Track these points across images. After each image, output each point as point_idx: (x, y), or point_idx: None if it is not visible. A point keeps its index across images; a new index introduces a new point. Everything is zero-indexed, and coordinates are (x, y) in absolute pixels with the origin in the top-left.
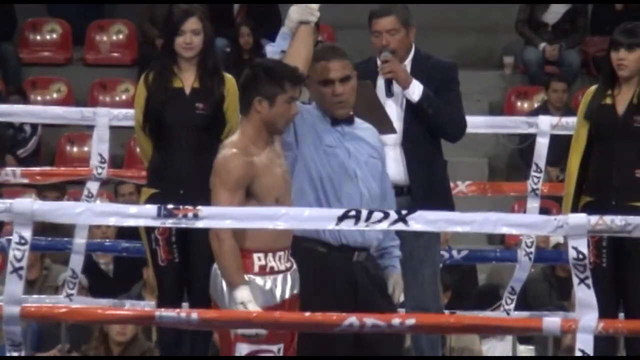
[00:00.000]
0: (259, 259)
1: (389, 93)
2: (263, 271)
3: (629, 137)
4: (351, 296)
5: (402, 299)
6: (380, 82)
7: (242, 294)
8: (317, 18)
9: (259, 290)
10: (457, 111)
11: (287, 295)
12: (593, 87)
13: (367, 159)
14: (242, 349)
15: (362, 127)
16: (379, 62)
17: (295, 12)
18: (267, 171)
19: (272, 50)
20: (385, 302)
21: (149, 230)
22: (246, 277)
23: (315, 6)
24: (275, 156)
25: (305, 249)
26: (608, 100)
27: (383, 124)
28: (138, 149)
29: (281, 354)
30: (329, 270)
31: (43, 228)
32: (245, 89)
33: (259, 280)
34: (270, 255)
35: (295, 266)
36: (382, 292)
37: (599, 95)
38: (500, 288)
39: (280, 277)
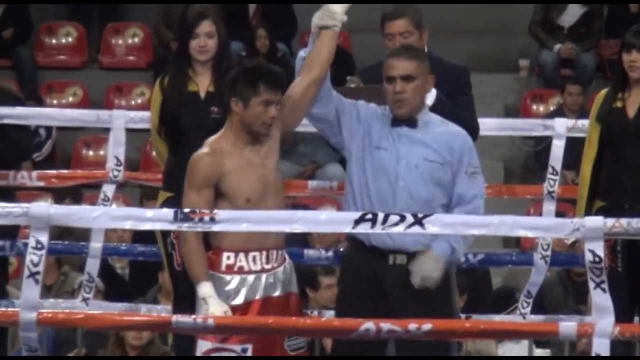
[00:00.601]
0: (228, 258)
1: None
2: (230, 270)
3: (639, 140)
4: (376, 298)
5: (416, 280)
6: None
7: (204, 289)
8: (339, 22)
9: (223, 288)
10: (470, 115)
11: (257, 296)
12: (604, 91)
13: (420, 162)
14: (203, 346)
15: (428, 130)
16: None
17: (315, 17)
18: (239, 171)
19: (300, 55)
20: (420, 310)
21: (165, 234)
22: (213, 274)
23: (337, 11)
24: (256, 157)
25: (350, 246)
26: (619, 104)
27: None
28: (154, 153)
29: (248, 354)
30: (357, 270)
31: (59, 232)
32: (226, 90)
33: (225, 278)
34: (241, 255)
35: (282, 268)
36: (426, 300)
37: (610, 99)
38: (515, 291)
39: (251, 277)
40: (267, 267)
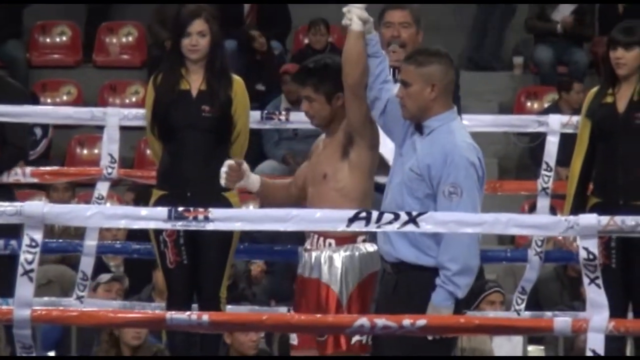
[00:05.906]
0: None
1: (394, 80)
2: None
3: (630, 134)
4: (379, 304)
5: None
6: None
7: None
8: (349, 21)
9: None
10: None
11: (299, 272)
12: (595, 88)
13: (405, 170)
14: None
15: (427, 139)
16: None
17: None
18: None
19: None
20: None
21: (157, 232)
22: None
23: (348, 9)
24: (318, 147)
25: None
26: (609, 99)
27: None
28: (149, 151)
29: None
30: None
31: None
32: None
33: None
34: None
35: (317, 253)
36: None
37: (600, 95)
38: (486, 283)
39: (305, 254)
40: (309, 247)
